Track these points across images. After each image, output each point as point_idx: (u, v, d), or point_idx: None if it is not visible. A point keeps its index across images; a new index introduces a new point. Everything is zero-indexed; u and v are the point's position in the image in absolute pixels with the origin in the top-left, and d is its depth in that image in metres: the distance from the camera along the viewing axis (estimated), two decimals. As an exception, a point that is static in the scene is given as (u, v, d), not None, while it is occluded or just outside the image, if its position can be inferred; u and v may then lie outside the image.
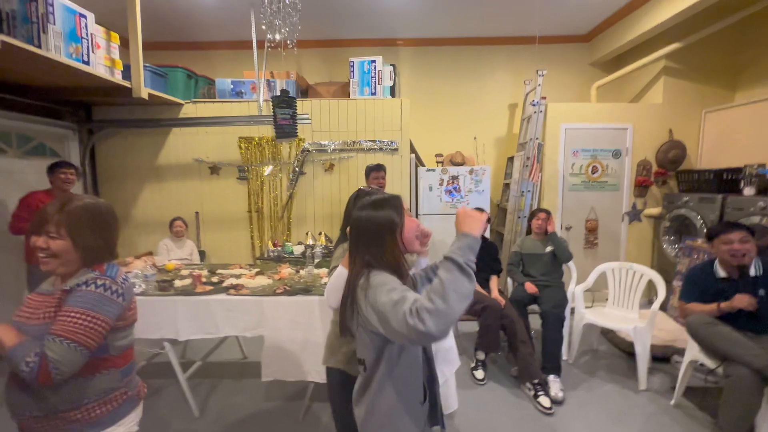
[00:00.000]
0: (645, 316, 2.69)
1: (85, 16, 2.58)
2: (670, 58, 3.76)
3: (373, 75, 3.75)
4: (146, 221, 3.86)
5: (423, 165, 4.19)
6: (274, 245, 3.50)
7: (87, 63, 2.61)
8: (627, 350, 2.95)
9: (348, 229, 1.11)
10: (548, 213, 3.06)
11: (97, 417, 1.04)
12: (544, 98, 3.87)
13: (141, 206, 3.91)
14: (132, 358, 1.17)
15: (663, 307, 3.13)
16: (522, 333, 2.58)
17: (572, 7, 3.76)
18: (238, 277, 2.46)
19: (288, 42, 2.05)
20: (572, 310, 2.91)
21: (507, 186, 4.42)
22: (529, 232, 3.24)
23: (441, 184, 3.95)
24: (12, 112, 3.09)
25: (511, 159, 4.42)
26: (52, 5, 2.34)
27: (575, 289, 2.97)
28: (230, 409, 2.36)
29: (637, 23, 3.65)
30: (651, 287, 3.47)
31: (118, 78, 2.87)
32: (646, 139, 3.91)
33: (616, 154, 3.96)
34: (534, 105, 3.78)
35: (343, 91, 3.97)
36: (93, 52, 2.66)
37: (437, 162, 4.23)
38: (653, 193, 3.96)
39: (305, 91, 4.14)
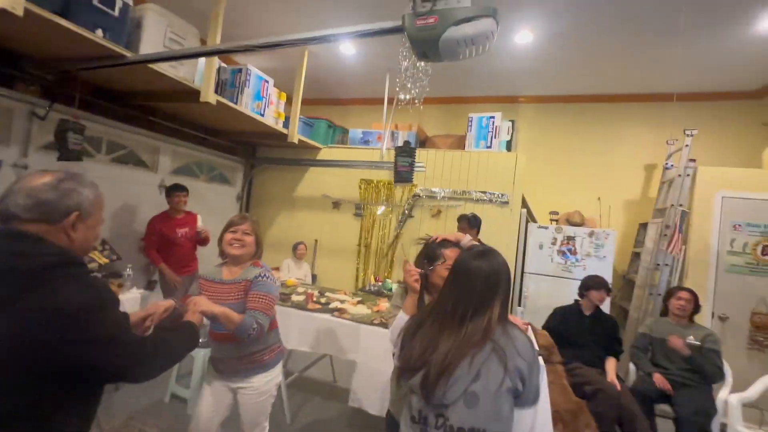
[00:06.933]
0: None
1: (268, 81, 3.40)
2: None
3: (490, 130, 3.86)
4: (277, 241, 4.56)
5: (535, 221, 3.99)
6: (376, 280, 3.72)
7: (262, 115, 3.40)
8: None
9: (456, 271, 1.10)
10: (693, 294, 2.56)
11: (266, 361, 1.58)
12: (692, 161, 3.38)
13: (275, 228, 4.66)
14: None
15: None
16: (645, 435, 2.12)
17: (738, 61, 3.30)
18: (342, 302, 2.69)
19: (415, 101, 2.36)
20: (723, 427, 2.28)
21: (637, 255, 3.84)
22: (664, 313, 2.74)
23: (554, 244, 3.68)
24: (205, 148, 4.15)
25: (644, 225, 3.87)
26: (249, 74, 3.17)
27: (729, 398, 2.33)
28: (317, 425, 2.51)
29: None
30: None
31: (280, 127, 3.65)
32: None
33: (802, 235, 3.11)
34: (667, 168, 3.34)
35: (459, 143, 4.16)
36: (268, 107, 3.46)
37: (551, 220, 3.98)
38: None
39: (423, 142, 4.48)
